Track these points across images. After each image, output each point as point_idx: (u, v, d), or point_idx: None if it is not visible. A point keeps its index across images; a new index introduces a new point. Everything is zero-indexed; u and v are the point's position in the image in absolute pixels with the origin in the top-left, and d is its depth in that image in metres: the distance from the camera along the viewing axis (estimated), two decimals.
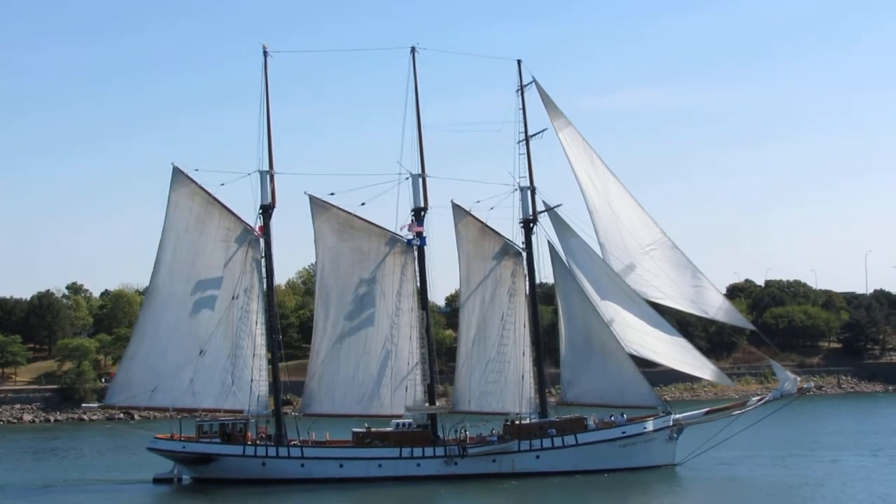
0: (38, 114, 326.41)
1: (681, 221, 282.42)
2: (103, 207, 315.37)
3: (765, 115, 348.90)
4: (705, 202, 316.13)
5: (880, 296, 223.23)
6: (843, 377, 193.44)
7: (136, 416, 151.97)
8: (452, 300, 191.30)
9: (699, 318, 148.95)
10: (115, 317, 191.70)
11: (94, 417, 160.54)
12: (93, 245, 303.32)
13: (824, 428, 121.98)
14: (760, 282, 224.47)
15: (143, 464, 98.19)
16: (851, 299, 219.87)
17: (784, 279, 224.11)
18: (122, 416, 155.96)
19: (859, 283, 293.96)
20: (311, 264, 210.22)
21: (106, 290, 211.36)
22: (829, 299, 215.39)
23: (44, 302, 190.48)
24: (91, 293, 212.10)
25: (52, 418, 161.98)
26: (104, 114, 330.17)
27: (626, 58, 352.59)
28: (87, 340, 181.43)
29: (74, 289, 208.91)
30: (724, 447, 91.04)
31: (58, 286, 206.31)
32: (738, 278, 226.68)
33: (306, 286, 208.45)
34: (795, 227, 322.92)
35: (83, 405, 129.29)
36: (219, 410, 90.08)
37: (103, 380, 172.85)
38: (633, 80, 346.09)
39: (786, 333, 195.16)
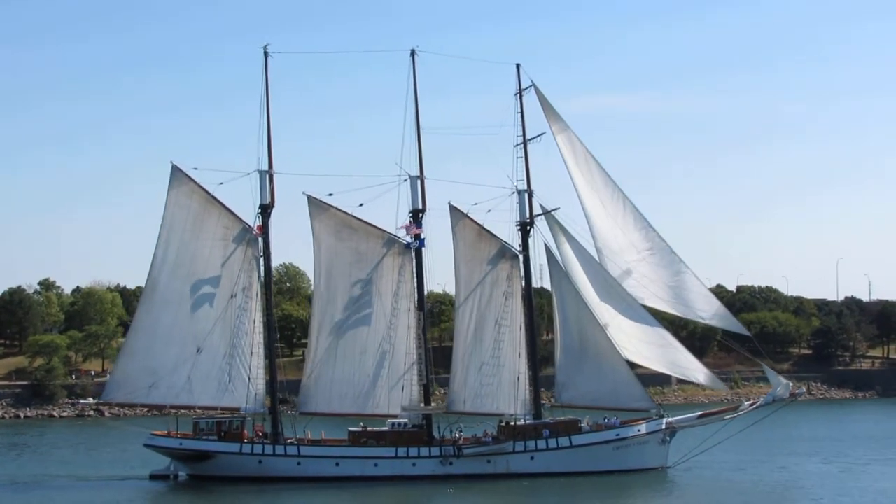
0: (26, 111, 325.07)
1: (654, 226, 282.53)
2: (83, 205, 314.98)
3: (738, 125, 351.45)
4: (678, 208, 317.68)
5: (851, 303, 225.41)
6: (813, 383, 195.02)
7: (107, 414, 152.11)
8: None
9: (670, 323, 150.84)
10: (86, 314, 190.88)
11: (64, 414, 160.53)
12: (66, 242, 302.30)
13: (801, 434, 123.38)
14: (732, 287, 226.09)
15: (131, 460, 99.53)
16: (822, 306, 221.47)
17: (755, 285, 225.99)
18: (92, 412, 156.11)
19: (830, 290, 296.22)
20: (281, 264, 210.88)
21: (77, 287, 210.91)
22: (800, 306, 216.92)
23: (15, 298, 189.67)
24: (63, 290, 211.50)
25: (21, 414, 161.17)
26: (89, 113, 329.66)
27: (605, 63, 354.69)
28: (58, 337, 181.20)
29: (46, 285, 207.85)
30: (716, 450, 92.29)
31: (29, 282, 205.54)
32: (710, 283, 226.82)
33: (277, 286, 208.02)
34: (767, 233, 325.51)
35: (80, 402, 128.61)
36: (216, 408, 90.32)
37: (74, 376, 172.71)
38: (611, 86, 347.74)
39: (756, 339, 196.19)
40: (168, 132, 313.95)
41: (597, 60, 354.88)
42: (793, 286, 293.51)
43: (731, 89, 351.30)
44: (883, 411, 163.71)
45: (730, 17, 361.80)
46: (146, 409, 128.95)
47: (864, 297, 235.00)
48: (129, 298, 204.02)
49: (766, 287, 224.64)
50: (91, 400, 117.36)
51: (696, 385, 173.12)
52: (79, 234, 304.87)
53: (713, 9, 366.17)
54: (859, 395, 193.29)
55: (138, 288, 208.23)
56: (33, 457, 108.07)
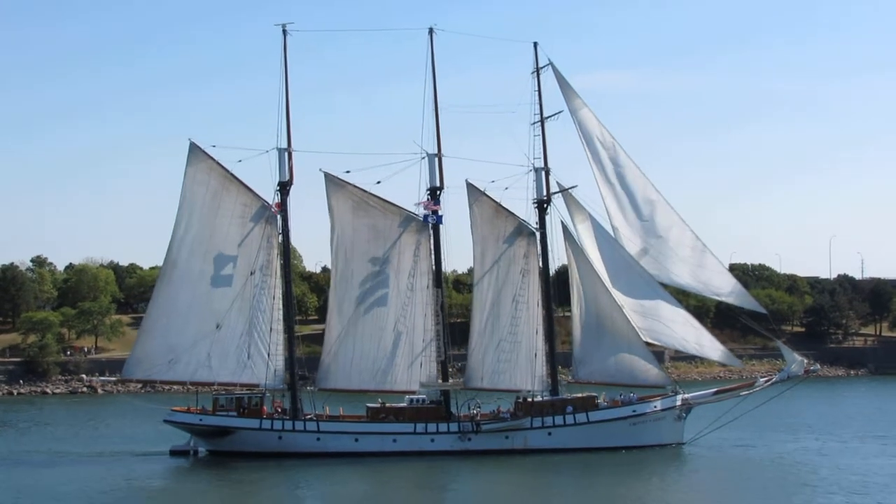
0: (24, 87, 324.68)
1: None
2: (77, 182, 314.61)
3: (733, 102, 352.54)
4: (670, 185, 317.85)
5: (844, 281, 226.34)
6: (806, 361, 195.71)
7: (100, 391, 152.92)
8: None
9: None
10: (78, 290, 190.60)
11: (57, 391, 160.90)
12: (60, 218, 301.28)
13: (801, 410, 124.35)
14: (725, 264, 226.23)
15: (140, 435, 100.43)
16: (815, 284, 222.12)
17: (748, 263, 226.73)
18: (85, 389, 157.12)
19: (823, 268, 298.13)
20: None
21: (70, 264, 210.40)
22: (793, 283, 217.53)
23: (8, 274, 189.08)
24: (55, 266, 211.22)
25: (14, 391, 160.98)
26: (87, 89, 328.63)
27: (599, 40, 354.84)
28: (51, 314, 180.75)
29: (39, 262, 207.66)
30: (729, 426, 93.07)
31: (22, 259, 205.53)
32: None
33: None
34: (761, 211, 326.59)
35: (99, 379, 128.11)
36: (235, 384, 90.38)
37: (67, 353, 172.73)
38: (605, 64, 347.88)
39: (752, 317, 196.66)
40: (169, 109, 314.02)
41: (591, 37, 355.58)
42: (786, 264, 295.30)
43: (725, 67, 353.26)
44: (875, 389, 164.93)
45: None
46: (140, 386, 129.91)
47: (857, 275, 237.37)
48: (122, 275, 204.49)
49: (759, 265, 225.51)
50: (113, 378, 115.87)
51: (690, 362, 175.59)
52: (72, 211, 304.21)
53: None
54: (852, 372, 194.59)
55: (131, 265, 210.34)
56: (41, 433, 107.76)
